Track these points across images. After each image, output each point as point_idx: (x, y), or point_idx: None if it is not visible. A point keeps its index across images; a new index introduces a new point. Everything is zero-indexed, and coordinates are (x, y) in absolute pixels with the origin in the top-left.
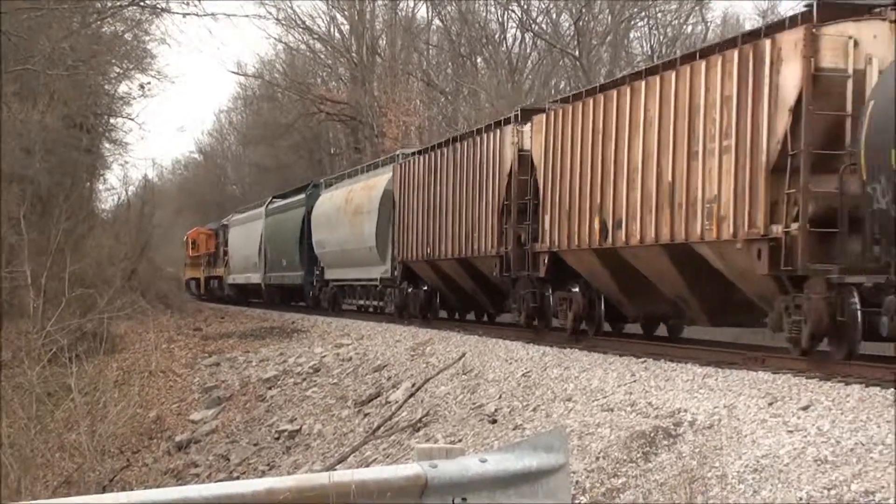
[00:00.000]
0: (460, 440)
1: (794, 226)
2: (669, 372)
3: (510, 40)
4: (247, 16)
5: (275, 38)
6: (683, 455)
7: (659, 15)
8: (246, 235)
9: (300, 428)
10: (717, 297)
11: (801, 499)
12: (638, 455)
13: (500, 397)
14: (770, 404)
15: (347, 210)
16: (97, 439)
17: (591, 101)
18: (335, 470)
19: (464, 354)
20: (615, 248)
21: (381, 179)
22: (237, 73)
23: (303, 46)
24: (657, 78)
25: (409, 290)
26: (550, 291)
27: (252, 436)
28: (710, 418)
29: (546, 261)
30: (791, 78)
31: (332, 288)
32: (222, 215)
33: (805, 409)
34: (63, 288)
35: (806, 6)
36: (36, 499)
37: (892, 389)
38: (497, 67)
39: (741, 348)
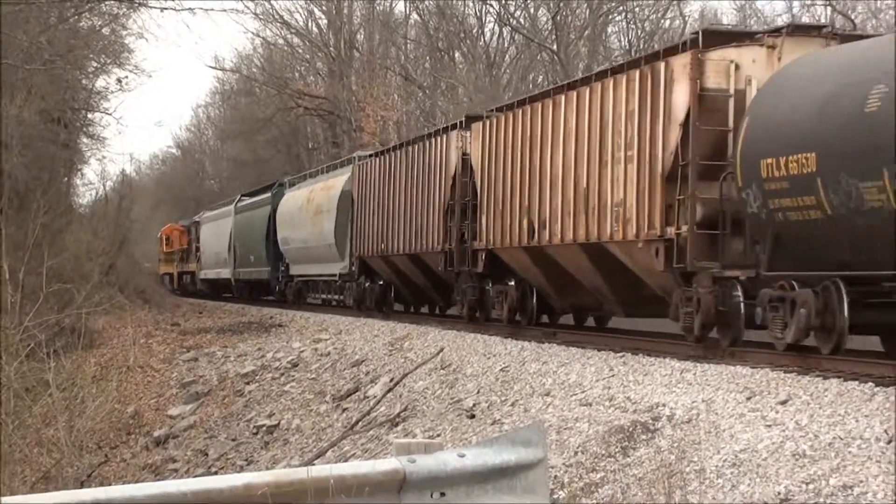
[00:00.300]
0: (438, 435)
1: (685, 228)
2: (648, 366)
3: (488, 35)
4: (224, 10)
5: (252, 33)
6: (662, 449)
7: (637, 9)
8: (217, 232)
9: (278, 423)
10: (629, 290)
11: (779, 493)
12: (616, 450)
13: (478, 392)
14: (748, 399)
15: (309, 209)
16: (75, 435)
17: (521, 112)
18: (313, 465)
19: (442, 349)
20: (541, 246)
21: (339, 180)
22: (215, 68)
23: (280, 41)
24: (574, 93)
25: (366, 284)
26: (490, 285)
27: (230, 431)
28: (688, 413)
29: (483, 257)
30: (681, 97)
31: (297, 283)
32: (200, 210)
33: (783, 403)
34: (41, 283)
35: (693, 34)
36: (14, 494)
37: (871, 384)
38: (475, 62)
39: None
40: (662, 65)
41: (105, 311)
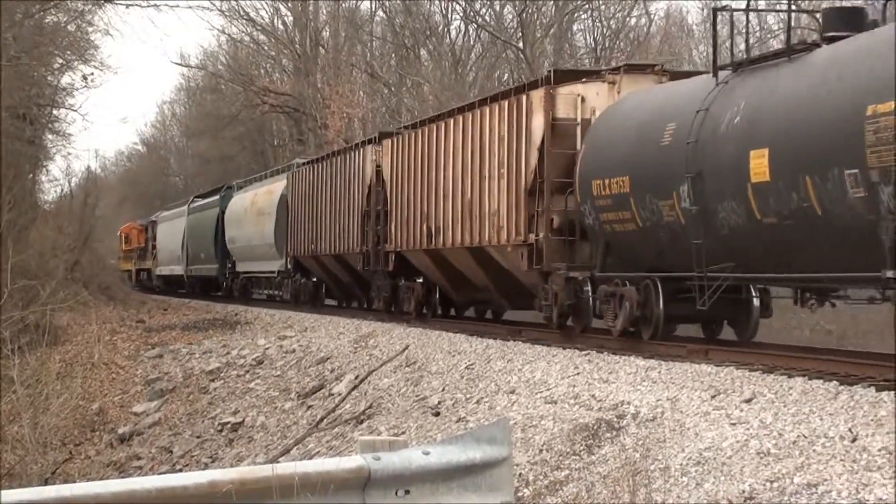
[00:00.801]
0: (403, 432)
1: (542, 235)
2: (613, 364)
3: (454, 32)
4: (190, 6)
5: (218, 30)
6: (626, 447)
7: (602, 7)
8: (171, 231)
9: (243, 420)
10: (508, 287)
11: (743, 491)
12: (581, 448)
13: (443, 390)
14: (713, 397)
15: (253, 211)
16: (39, 431)
17: (422, 131)
18: (278, 462)
19: (407, 347)
20: (438, 249)
21: (279, 185)
22: (180, 65)
23: (246, 38)
24: (461, 117)
25: (301, 281)
26: (402, 282)
27: (195, 428)
28: (653, 411)
29: (393, 258)
30: (538, 124)
31: (242, 279)
32: (164, 206)
33: (748, 401)
34: (5, 279)
35: (547, 72)
36: None
37: (835, 383)
38: (441, 59)
39: (684, 341)
40: (525, 97)
41: (70, 308)
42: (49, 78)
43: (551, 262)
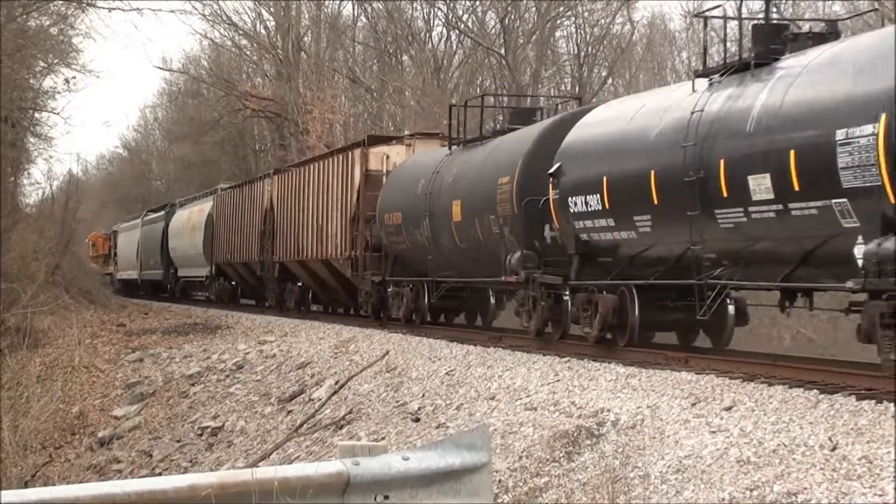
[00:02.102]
0: (383, 438)
1: (359, 251)
2: (593, 371)
3: (436, 38)
4: (172, 11)
5: (200, 34)
6: (606, 455)
7: (586, 14)
8: (129, 241)
9: (223, 425)
10: (347, 287)
11: (723, 499)
12: (561, 454)
13: (423, 395)
14: (693, 405)
15: (188, 226)
16: (19, 434)
17: (296, 171)
18: (258, 467)
19: (387, 352)
20: (304, 260)
21: (208, 205)
22: (162, 69)
23: (228, 42)
24: (318, 163)
25: (223, 283)
26: (288, 285)
27: (175, 432)
28: (633, 418)
29: (278, 267)
30: (357, 174)
31: (182, 282)
32: (145, 210)
33: (728, 409)
34: None
35: (364, 137)
36: None
37: (816, 391)
38: (423, 65)
39: (662, 348)
40: (350, 154)
41: (50, 311)
42: (31, 81)
43: (364, 271)
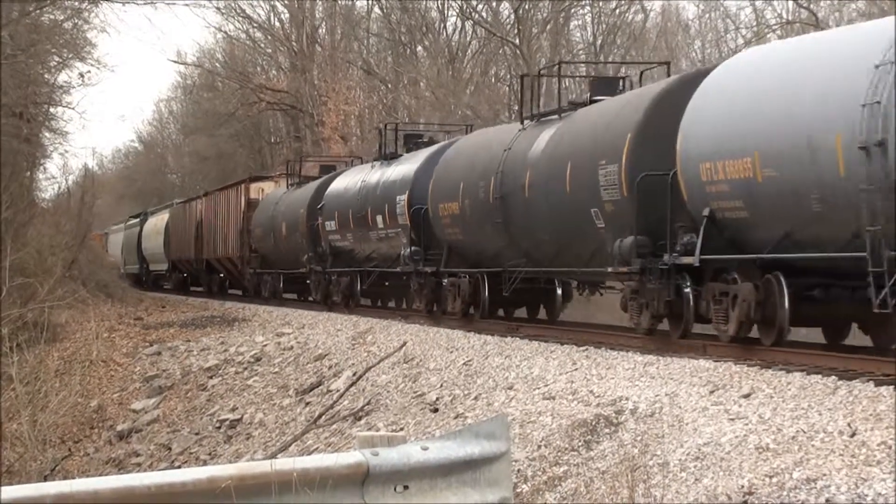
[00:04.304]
0: (402, 428)
1: (248, 251)
2: (611, 360)
3: (450, 29)
4: (186, 4)
5: (214, 27)
6: (625, 443)
7: (600, 3)
8: (116, 241)
9: (241, 417)
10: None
11: (742, 487)
12: (579, 443)
13: (441, 386)
14: (711, 392)
15: (155, 230)
16: (38, 429)
17: (215, 195)
18: (277, 458)
19: (405, 343)
20: (218, 257)
21: (167, 215)
22: (177, 62)
23: (242, 35)
24: (224, 192)
25: (177, 275)
26: (212, 276)
27: (193, 425)
28: (651, 406)
29: (205, 262)
30: (244, 200)
31: (152, 275)
32: (162, 203)
33: (746, 396)
34: (4, 277)
35: (248, 176)
36: None
37: (834, 377)
38: (437, 56)
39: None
40: (241, 187)
41: (68, 306)
42: (46, 76)
43: (248, 266)
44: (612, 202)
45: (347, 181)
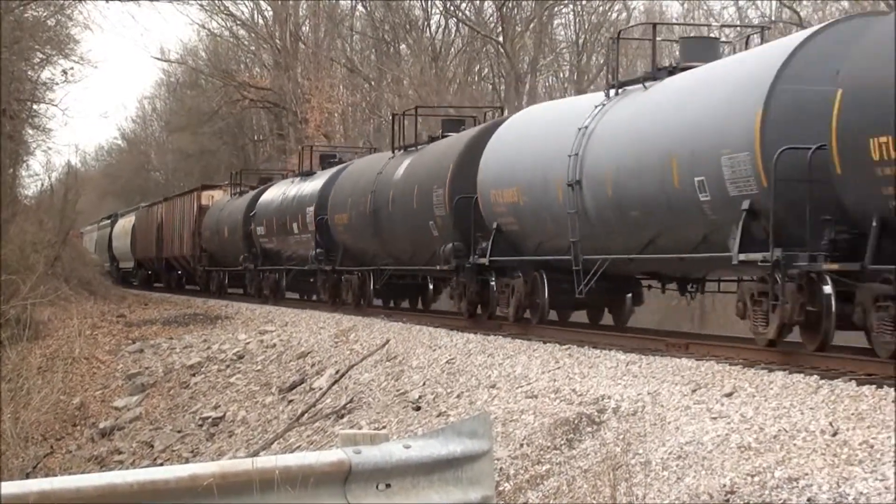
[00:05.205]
0: (384, 427)
1: (199, 251)
2: (593, 359)
3: (434, 27)
4: (170, 1)
5: (198, 24)
6: (607, 442)
7: (583, 2)
8: (91, 239)
9: (224, 415)
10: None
11: (724, 486)
12: (562, 442)
13: (424, 384)
14: (694, 391)
15: (123, 231)
16: (20, 426)
17: (172, 201)
18: (259, 456)
19: (388, 341)
20: (175, 256)
21: (133, 217)
22: (160, 59)
23: (226, 33)
24: (183, 197)
25: (142, 272)
26: (171, 273)
27: (176, 423)
28: (633, 405)
29: (164, 260)
30: (196, 206)
31: (121, 271)
32: (145, 201)
33: (729, 395)
34: None
35: (199, 185)
36: None
37: (816, 377)
38: (420, 54)
39: (663, 335)
40: (193, 195)
41: (50, 303)
42: (29, 73)
43: (199, 263)
44: (441, 217)
45: (274, 193)
